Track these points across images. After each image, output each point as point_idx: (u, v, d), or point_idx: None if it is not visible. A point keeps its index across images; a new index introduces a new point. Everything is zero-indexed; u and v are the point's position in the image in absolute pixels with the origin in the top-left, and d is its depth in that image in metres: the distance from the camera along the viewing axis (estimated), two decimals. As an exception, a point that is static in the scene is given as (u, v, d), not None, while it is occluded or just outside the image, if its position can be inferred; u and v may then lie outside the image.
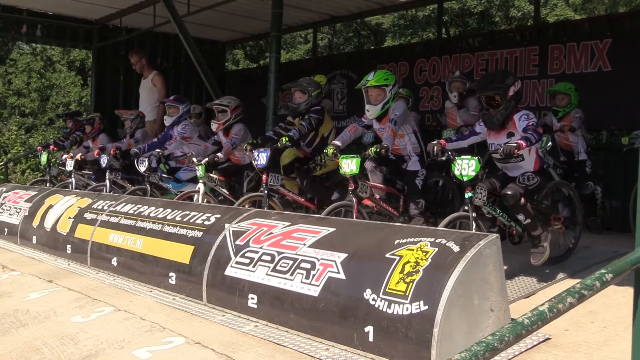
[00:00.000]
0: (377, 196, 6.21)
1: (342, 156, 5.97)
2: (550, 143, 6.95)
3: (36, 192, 8.75)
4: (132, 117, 9.84)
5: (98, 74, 13.24)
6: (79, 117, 11.76)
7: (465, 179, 4.98)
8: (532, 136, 5.07)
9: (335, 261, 4.12)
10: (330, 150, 6.08)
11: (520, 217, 5.27)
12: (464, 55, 9.92)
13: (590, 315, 4.27)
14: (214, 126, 7.90)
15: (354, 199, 5.91)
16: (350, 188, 5.93)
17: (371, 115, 6.20)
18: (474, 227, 4.91)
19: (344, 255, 4.12)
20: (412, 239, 3.93)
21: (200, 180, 7.45)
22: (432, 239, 3.85)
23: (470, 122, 7.82)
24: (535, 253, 5.37)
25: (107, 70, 13.08)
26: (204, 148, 8.18)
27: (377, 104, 6.14)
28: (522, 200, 5.19)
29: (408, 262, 3.74)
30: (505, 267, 3.86)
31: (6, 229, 8.48)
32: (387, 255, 3.88)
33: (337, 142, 6.22)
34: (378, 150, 5.85)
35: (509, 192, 5.13)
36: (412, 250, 3.81)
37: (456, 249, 3.67)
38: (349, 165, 5.86)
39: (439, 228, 4.49)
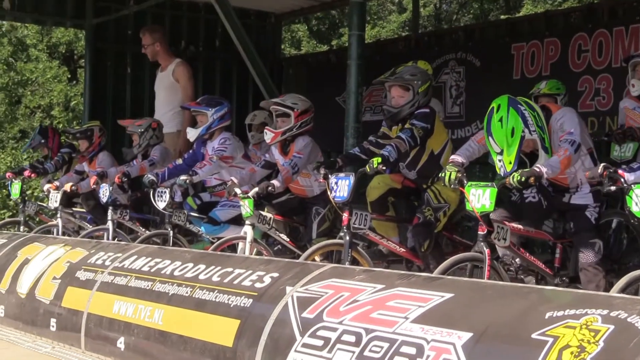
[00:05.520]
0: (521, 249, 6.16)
1: (469, 184, 5.95)
2: None
3: (5, 240, 8.96)
4: (140, 130, 9.85)
5: (94, 64, 13.46)
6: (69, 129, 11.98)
7: (649, 216, 4.93)
8: None
9: (454, 344, 4.12)
10: (450, 174, 6.02)
11: None
12: (650, 27, 9.81)
13: None
14: (268, 136, 7.96)
15: (486, 250, 5.88)
16: (480, 232, 5.90)
17: None
18: (670, 292, 4.85)
19: (467, 336, 4.12)
20: (572, 311, 3.91)
21: (247, 222, 7.54)
22: (605, 312, 3.82)
23: None
24: None
25: (108, 58, 13.32)
26: (251, 173, 8.19)
27: None
28: None
29: (568, 346, 3.72)
30: None
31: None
32: (535, 335, 3.87)
33: (458, 158, 6.23)
34: (524, 178, 5.70)
35: None
36: (574, 328, 3.79)
37: (643, 326, 3.63)
38: (479, 199, 5.79)
39: (613, 294, 4.45)
